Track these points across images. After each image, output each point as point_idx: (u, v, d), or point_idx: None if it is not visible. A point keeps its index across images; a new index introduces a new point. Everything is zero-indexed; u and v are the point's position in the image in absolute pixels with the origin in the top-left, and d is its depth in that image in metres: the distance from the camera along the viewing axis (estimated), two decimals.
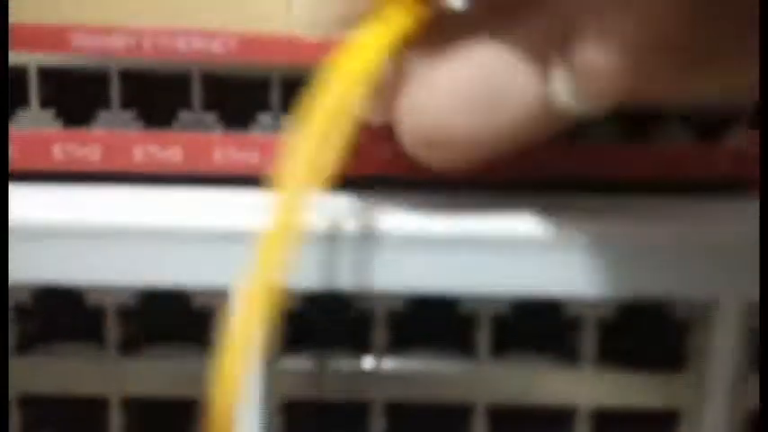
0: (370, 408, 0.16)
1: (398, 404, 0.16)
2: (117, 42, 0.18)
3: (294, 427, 0.16)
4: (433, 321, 0.16)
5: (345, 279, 0.15)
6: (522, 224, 0.15)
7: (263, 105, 0.18)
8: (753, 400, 0.16)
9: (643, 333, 0.16)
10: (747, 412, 0.16)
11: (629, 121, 0.21)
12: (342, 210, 0.16)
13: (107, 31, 0.19)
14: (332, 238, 0.15)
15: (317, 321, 0.16)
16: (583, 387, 0.16)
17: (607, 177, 0.21)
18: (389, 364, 0.16)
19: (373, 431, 0.16)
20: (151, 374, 0.16)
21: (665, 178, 0.21)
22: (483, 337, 0.16)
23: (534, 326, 0.16)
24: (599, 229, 0.16)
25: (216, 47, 0.19)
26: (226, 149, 0.19)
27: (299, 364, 0.16)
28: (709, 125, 0.22)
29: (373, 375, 0.16)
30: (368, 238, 0.15)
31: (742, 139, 0.22)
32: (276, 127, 0.18)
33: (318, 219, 0.15)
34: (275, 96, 0.18)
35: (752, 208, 0.14)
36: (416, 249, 0.15)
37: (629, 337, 0.16)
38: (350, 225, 0.15)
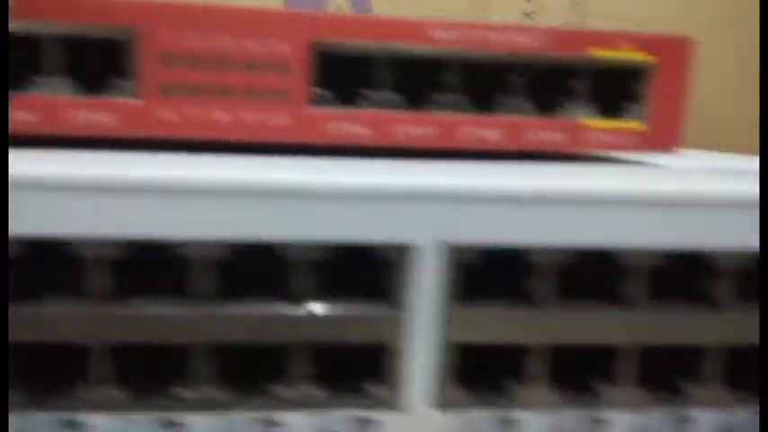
0: None
1: None
2: None
3: None
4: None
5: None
6: None
7: None
8: (457, 334, 0.18)
9: (352, 273, 0.18)
10: (453, 346, 0.18)
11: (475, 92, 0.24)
12: None
13: None
14: None
15: None
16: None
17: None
18: None
19: None
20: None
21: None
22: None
23: None
24: None
25: None
26: None
27: None
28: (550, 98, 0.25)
29: None
30: None
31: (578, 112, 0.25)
32: None
33: None
34: None
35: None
36: None
37: (339, 277, 0.18)
38: None
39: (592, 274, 0.18)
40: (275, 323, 0.17)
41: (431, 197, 0.17)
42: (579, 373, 0.19)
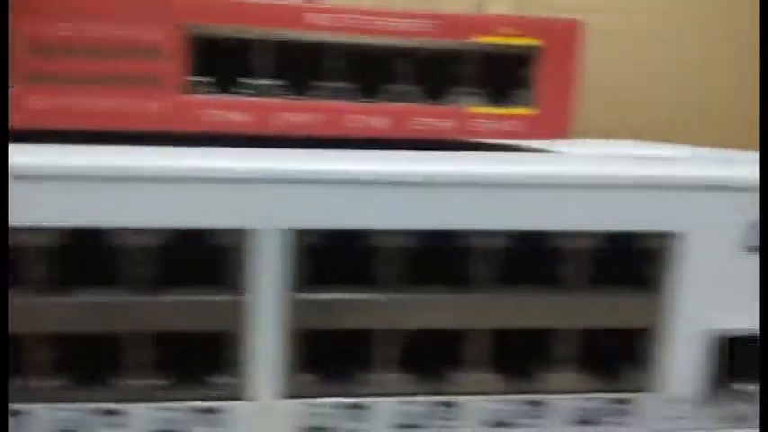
0: None
1: None
2: None
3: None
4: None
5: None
6: None
7: None
8: (302, 321, 0.18)
9: (192, 259, 0.18)
10: (298, 333, 0.18)
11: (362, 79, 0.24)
12: None
13: None
14: None
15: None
16: None
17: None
18: None
19: None
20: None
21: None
22: None
23: None
24: None
25: None
26: None
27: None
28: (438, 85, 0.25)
29: None
30: None
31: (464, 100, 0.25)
32: None
33: None
34: None
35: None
36: None
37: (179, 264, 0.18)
38: None
39: (438, 257, 0.18)
40: (111, 311, 0.17)
41: (269, 181, 0.17)
42: (428, 358, 0.19)
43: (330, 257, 0.18)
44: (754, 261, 0.19)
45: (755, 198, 0.18)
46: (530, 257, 0.18)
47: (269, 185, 0.17)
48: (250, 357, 0.18)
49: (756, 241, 0.19)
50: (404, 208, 0.17)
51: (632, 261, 0.19)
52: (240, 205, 0.17)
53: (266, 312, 0.17)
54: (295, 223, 0.17)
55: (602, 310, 0.19)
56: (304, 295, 0.17)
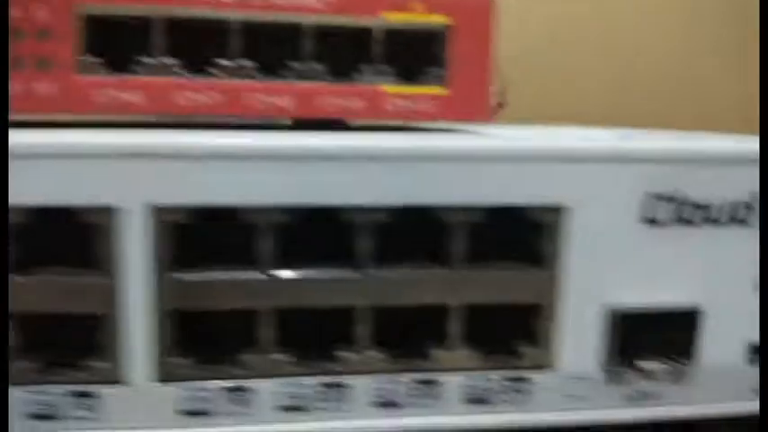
0: None
1: None
2: None
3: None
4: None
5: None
6: None
7: None
8: (175, 302, 0.17)
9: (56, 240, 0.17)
10: (171, 314, 0.17)
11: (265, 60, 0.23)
12: None
13: None
14: None
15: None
16: None
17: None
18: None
19: None
20: None
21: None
22: None
23: None
24: None
25: None
26: None
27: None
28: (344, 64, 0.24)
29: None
30: None
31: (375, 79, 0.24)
32: None
33: None
34: None
35: None
36: None
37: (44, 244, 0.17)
38: None
39: (318, 233, 0.18)
40: None
41: (131, 156, 0.16)
42: (314, 338, 0.18)
43: (204, 236, 0.17)
44: (651, 234, 0.18)
45: (653, 170, 0.18)
46: (417, 232, 0.18)
47: (131, 161, 0.16)
48: (123, 340, 0.17)
49: (654, 213, 0.18)
50: (279, 183, 0.17)
51: (524, 235, 0.18)
52: (105, 182, 0.16)
53: (136, 294, 0.17)
54: (160, 200, 0.16)
55: (494, 285, 0.18)
56: (177, 275, 0.17)
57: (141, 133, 0.18)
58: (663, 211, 0.18)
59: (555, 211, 0.18)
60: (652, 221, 0.18)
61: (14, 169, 0.16)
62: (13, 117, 0.22)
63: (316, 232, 0.18)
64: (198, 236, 0.17)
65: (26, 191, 0.16)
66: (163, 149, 0.16)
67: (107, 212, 0.16)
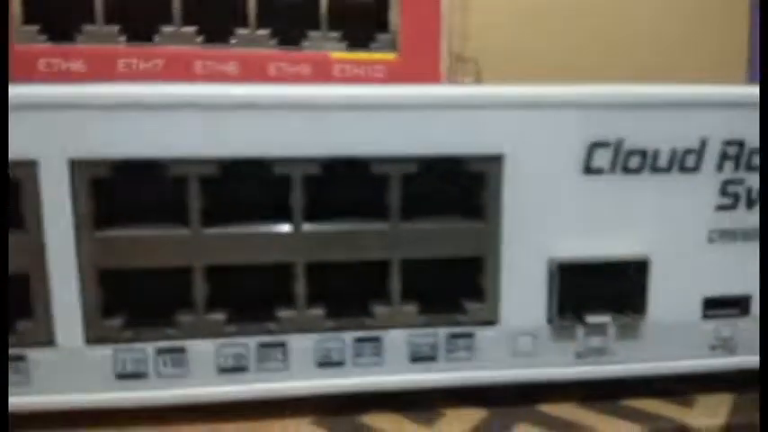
0: None
1: None
2: None
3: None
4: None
5: None
6: None
7: None
8: (99, 260, 0.16)
9: None
10: (98, 273, 0.17)
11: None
12: None
13: None
14: None
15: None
16: None
17: None
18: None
19: None
20: None
21: None
22: None
23: None
24: None
25: None
26: None
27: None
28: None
29: None
30: None
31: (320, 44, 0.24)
32: None
33: None
34: None
35: None
36: None
37: None
38: None
39: (248, 187, 0.17)
40: None
41: (47, 107, 0.16)
42: (252, 295, 0.17)
43: (127, 191, 0.17)
44: (594, 183, 0.18)
45: (595, 116, 0.18)
46: (351, 185, 0.17)
47: (51, 112, 0.16)
48: (50, 301, 0.16)
49: (596, 162, 0.18)
50: (200, 134, 0.16)
51: (460, 187, 0.18)
52: (23, 135, 0.16)
53: (61, 252, 0.16)
54: (78, 154, 0.16)
55: (431, 239, 0.18)
56: (104, 233, 0.16)
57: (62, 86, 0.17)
58: (605, 159, 0.18)
59: (492, 160, 0.17)
60: (594, 170, 0.18)
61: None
62: None
63: (247, 185, 0.17)
64: (123, 191, 0.16)
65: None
66: (73, 100, 0.16)
67: (27, 167, 0.16)
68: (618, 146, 0.18)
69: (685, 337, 0.19)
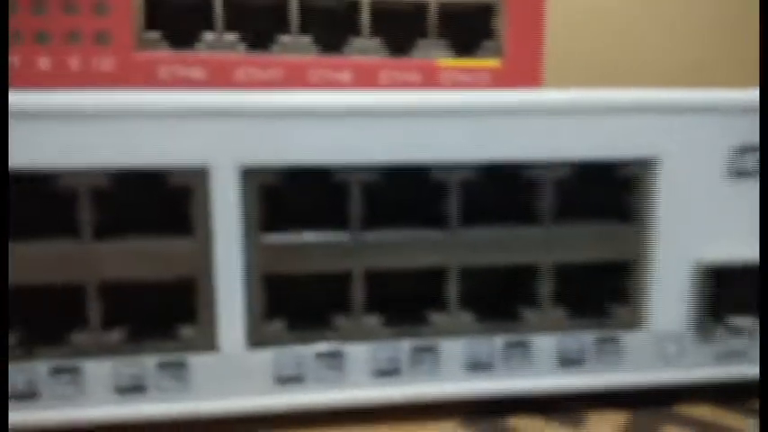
0: None
1: None
2: None
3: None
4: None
5: None
6: None
7: None
8: (266, 266, 0.17)
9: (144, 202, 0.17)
10: (262, 279, 0.17)
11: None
12: None
13: None
14: None
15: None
16: None
17: None
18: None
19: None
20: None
21: None
22: None
23: None
24: None
25: None
26: None
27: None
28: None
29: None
30: None
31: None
32: None
33: None
34: None
35: None
36: None
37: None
38: None
39: (409, 193, 0.17)
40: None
41: (223, 113, 0.16)
42: (410, 302, 0.18)
43: (292, 197, 0.17)
44: (740, 186, 0.18)
45: (744, 121, 0.18)
46: (503, 190, 0.18)
47: (222, 121, 0.16)
48: (216, 306, 0.17)
49: (742, 165, 0.18)
50: (360, 140, 0.16)
51: (611, 190, 0.18)
52: (195, 143, 0.16)
53: (227, 258, 0.16)
54: (252, 159, 0.16)
55: (582, 243, 0.18)
56: (270, 239, 0.17)
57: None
58: (753, 163, 0.18)
59: (644, 164, 0.17)
60: (741, 173, 0.18)
61: (105, 128, 0.16)
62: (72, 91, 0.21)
63: (404, 191, 0.17)
64: (289, 197, 0.17)
65: (105, 152, 0.16)
66: (253, 108, 0.16)
67: (197, 174, 0.16)
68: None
69: None
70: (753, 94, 0.18)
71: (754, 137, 0.18)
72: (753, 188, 0.18)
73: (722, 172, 0.18)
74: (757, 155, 0.18)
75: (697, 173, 0.18)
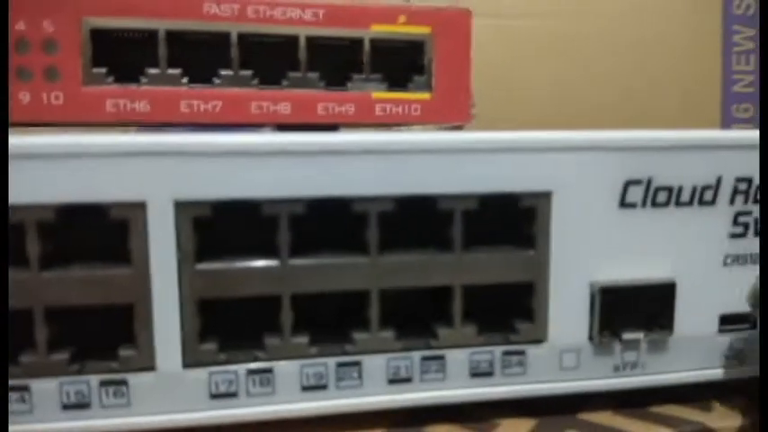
0: None
1: None
2: None
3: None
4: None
5: None
6: None
7: None
8: (200, 291, 0.18)
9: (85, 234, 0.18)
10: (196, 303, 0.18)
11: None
12: None
13: None
14: None
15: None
16: None
17: None
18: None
19: None
20: None
21: None
22: None
23: None
24: None
25: None
26: None
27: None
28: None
29: None
30: None
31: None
32: None
33: None
34: None
35: None
36: None
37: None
38: None
39: (332, 223, 0.19)
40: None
41: (158, 153, 0.17)
42: (334, 322, 0.19)
43: (222, 228, 0.18)
44: (628, 216, 0.20)
45: (631, 158, 0.20)
46: (418, 221, 0.19)
47: (158, 159, 0.17)
48: (154, 329, 0.18)
49: (630, 197, 0.20)
50: (290, 177, 0.18)
51: (513, 220, 0.20)
52: (133, 179, 0.17)
53: (163, 285, 0.18)
54: (183, 194, 0.18)
55: (489, 267, 0.20)
56: (204, 266, 0.18)
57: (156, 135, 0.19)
58: (638, 196, 0.20)
59: (540, 196, 0.20)
60: (629, 205, 0.20)
61: (51, 167, 0.17)
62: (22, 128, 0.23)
63: (327, 222, 0.19)
64: (219, 228, 0.18)
65: (56, 189, 0.17)
66: (187, 148, 0.18)
67: (134, 207, 0.17)
68: (648, 183, 0.20)
69: (704, 349, 0.22)
70: (637, 134, 0.20)
71: (639, 172, 0.20)
72: (639, 217, 0.20)
73: (611, 203, 0.20)
74: (641, 189, 0.20)
75: (588, 204, 0.20)
